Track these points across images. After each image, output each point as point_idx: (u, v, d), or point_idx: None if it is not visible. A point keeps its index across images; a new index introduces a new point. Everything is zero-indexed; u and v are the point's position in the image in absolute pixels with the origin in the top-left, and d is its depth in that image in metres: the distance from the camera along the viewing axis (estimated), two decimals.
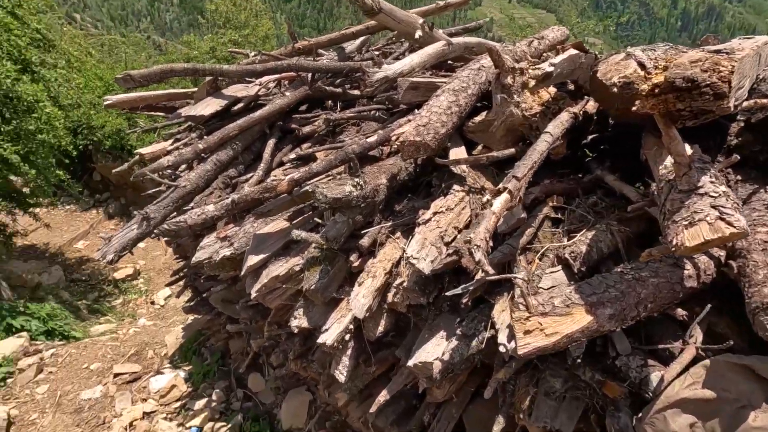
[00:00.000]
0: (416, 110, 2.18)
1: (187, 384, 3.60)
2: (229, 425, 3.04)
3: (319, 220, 1.77)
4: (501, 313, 1.46)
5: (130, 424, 3.28)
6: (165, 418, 3.27)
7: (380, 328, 1.77)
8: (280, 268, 1.83)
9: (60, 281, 6.81)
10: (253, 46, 9.82)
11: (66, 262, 7.54)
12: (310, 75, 2.54)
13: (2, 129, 4.29)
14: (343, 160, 1.82)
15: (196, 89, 2.63)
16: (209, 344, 3.96)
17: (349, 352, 1.85)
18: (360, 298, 1.59)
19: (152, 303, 6.77)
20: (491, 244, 1.28)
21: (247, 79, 2.68)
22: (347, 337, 1.73)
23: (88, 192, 8.96)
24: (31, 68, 5.16)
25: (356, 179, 1.67)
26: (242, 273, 1.83)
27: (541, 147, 1.49)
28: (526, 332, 1.17)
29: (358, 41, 2.99)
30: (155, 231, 1.73)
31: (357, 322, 1.76)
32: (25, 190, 5.70)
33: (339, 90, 2.59)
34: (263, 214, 1.91)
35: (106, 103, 2.25)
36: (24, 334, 4.39)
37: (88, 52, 7.11)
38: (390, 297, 1.70)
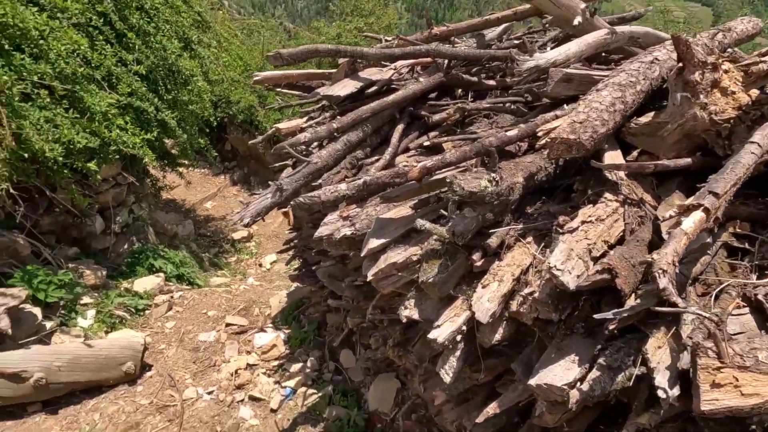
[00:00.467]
0: (564, 105, 1.96)
1: (285, 346, 3.84)
2: (320, 394, 3.17)
3: (445, 212, 1.67)
4: (657, 350, 1.23)
5: (235, 372, 3.60)
6: (264, 373, 3.54)
7: (497, 336, 1.63)
8: (398, 255, 1.79)
9: (190, 234, 7.76)
10: (376, 34, 10.04)
11: (196, 218, 8.57)
12: (445, 62, 2.45)
13: (164, 98, 4.92)
14: (479, 153, 1.70)
15: (332, 70, 2.71)
16: (308, 312, 4.17)
17: (457, 353, 1.75)
18: (485, 302, 1.47)
19: (260, 265, 7.39)
20: (677, 269, 1.07)
21: (382, 63, 2.68)
22: (459, 337, 1.63)
23: (219, 159, 10.06)
24: (191, 46, 5.86)
25: (492, 174, 1.54)
26: (363, 254, 1.83)
27: (746, 160, 1.21)
28: (715, 385, 0.95)
29: (499, 29, 2.81)
30: (291, 203, 1.80)
31: (470, 324, 1.65)
32: (173, 151, 6.57)
33: (474, 79, 2.45)
34: (390, 198, 1.88)
35: (255, 78, 2.42)
36: (161, 274, 5.08)
37: (234, 34, 7.93)
38: (515, 306, 1.55)
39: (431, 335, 1.61)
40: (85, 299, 4.14)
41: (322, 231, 2.00)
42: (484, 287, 1.52)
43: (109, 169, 5.20)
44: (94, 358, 3.26)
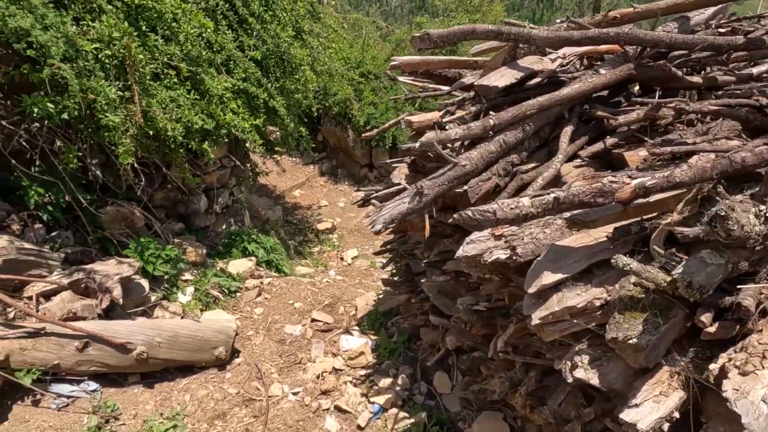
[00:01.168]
0: None
1: (373, 354, 3.58)
2: (412, 420, 2.85)
3: (659, 250, 1.22)
4: None
5: (321, 374, 3.41)
6: (351, 383, 3.30)
7: None
8: (577, 297, 1.38)
9: (279, 220, 7.91)
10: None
11: (285, 205, 8.75)
12: (637, 50, 1.95)
13: (274, 85, 4.90)
14: (724, 171, 1.22)
15: (478, 59, 2.34)
16: (397, 320, 3.87)
17: None
18: (758, 401, 1.00)
19: (341, 259, 7.29)
20: None
21: (548, 50, 2.25)
22: (665, 427, 1.17)
23: (309, 150, 10.22)
24: (302, 36, 5.84)
25: (762, 207, 1.06)
26: (530, 290, 1.43)
27: None
28: None
29: (709, 11, 2.23)
30: (456, 216, 1.45)
31: (684, 407, 1.18)
32: (271, 138, 6.67)
33: (679, 72, 1.92)
34: (582, 223, 1.46)
35: (392, 64, 2.13)
36: (253, 258, 5.11)
37: (342, 26, 7.93)
38: None
39: (626, 417, 1.17)
40: (186, 275, 4.23)
41: (468, 250, 1.65)
42: (743, 373, 1.05)
43: (217, 151, 5.34)
44: (191, 338, 3.25)
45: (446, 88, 2.44)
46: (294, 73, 5.46)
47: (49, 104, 3.00)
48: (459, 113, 2.13)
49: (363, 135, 2.90)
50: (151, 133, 3.54)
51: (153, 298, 3.72)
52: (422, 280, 2.69)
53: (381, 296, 4.33)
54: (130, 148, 3.40)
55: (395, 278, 3.52)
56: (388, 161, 3.13)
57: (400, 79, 2.83)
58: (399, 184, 3.15)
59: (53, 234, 3.65)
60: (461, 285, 2.51)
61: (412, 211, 1.77)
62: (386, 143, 8.77)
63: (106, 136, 3.44)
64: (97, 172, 3.99)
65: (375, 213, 1.85)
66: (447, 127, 1.87)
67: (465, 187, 1.85)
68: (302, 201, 9.08)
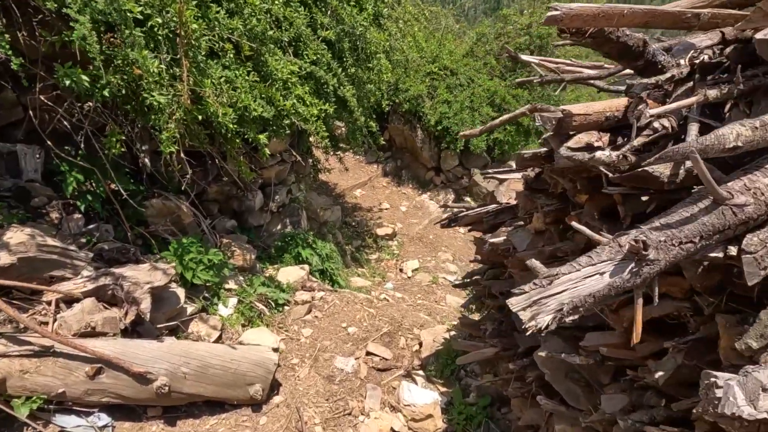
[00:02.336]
0: None
1: (443, 418, 2.74)
2: None
3: None
4: None
5: None
6: None
7: None
8: None
9: (337, 220, 7.28)
10: None
11: (344, 205, 8.12)
12: None
13: (347, 71, 4.20)
14: None
15: (697, 10, 1.40)
16: (475, 373, 2.99)
17: None
18: None
19: (401, 270, 6.51)
20: None
21: None
22: None
23: (375, 147, 9.54)
24: (379, 20, 5.11)
25: None
26: None
27: None
28: None
29: None
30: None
31: None
32: (336, 134, 6.04)
33: None
34: None
35: (550, 15, 1.29)
36: (306, 267, 4.47)
37: (423, 13, 7.16)
38: None
39: None
40: (230, 283, 3.65)
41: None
42: None
43: (278, 145, 4.75)
44: (222, 370, 2.61)
45: (609, 68, 1.53)
46: (368, 60, 4.73)
47: (84, 77, 2.47)
48: (691, 99, 1.20)
49: (461, 134, 2.07)
50: (200, 118, 2.95)
51: (189, 310, 3.15)
52: (538, 353, 1.81)
53: (453, 334, 3.47)
54: (175, 134, 2.83)
55: (481, 324, 2.65)
56: (490, 171, 2.26)
57: (525, 58, 1.95)
58: (504, 203, 2.27)
59: (91, 227, 3.21)
60: (605, 372, 1.59)
61: (620, 292, 0.92)
62: (457, 146, 7.84)
63: (152, 120, 2.91)
64: (146, 160, 3.51)
65: (534, 290, 1.00)
66: (731, 127, 0.98)
67: (731, 250, 0.96)
68: (363, 202, 8.42)
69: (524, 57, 2.02)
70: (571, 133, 1.36)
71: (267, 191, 4.90)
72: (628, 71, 1.61)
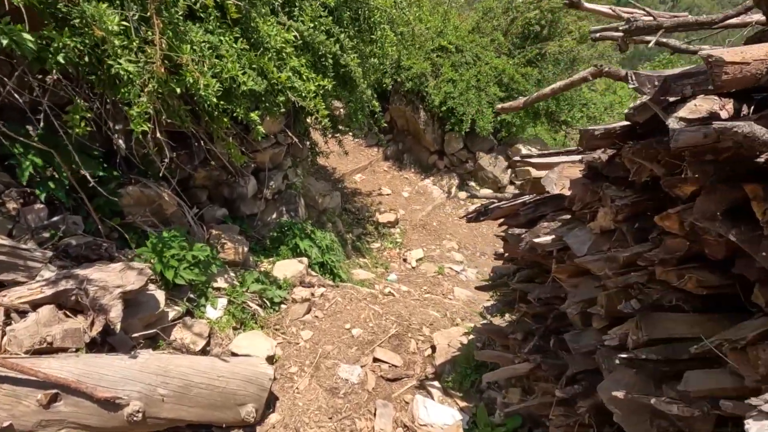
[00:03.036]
0: None
1: None
2: None
3: None
4: None
5: None
6: None
7: None
8: None
9: (337, 207, 6.83)
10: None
11: (344, 190, 7.65)
12: None
13: (348, 38, 3.67)
14: None
15: None
16: (500, 388, 2.60)
17: None
18: None
19: (404, 260, 6.10)
20: None
21: None
22: None
23: (376, 130, 9.02)
24: None
25: None
26: None
27: None
28: None
29: None
30: None
31: None
32: (336, 114, 5.53)
33: None
34: None
35: None
36: (305, 260, 4.04)
37: None
38: None
39: None
40: (219, 281, 3.22)
41: None
42: None
43: (272, 125, 4.26)
44: (208, 390, 2.21)
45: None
46: (371, 31, 4.21)
47: (28, 36, 1.97)
48: None
49: (500, 107, 1.63)
50: (178, 91, 2.46)
51: (171, 315, 2.73)
52: (609, 390, 1.39)
53: (472, 338, 3.07)
54: (147, 109, 2.35)
55: (510, 333, 2.23)
56: (534, 155, 1.82)
57: (590, 6, 1.50)
58: (555, 194, 1.83)
59: (55, 219, 2.74)
60: (704, 421, 1.19)
61: None
62: (462, 128, 7.33)
63: (122, 93, 2.42)
64: (120, 142, 3.03)
65: None
66: None
67: None
68: (363, 187, 7.95)
69: (590, 5, 1.55)
70: (675, 99, 0.93)
71: (261, 177, 4.44)
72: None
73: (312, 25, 3.26)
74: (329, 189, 7.05)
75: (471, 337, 3.07)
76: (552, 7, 7.37)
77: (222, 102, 2.91)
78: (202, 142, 3.38)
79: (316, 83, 3.21)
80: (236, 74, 2.61)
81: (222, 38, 2.70)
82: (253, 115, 2.93)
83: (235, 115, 3.00)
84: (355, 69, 3.50)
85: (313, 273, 4.10)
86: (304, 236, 4.28)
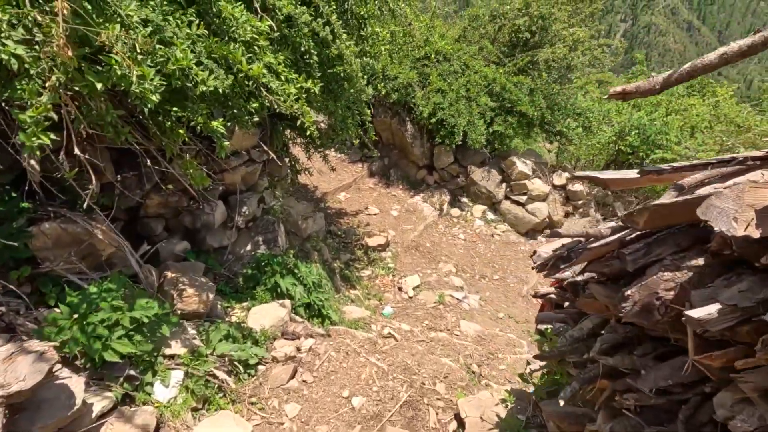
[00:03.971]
0: None
1: None
2: None
3: None
4: None
5: None
6: None
7: None
8: None
9: (321, 230, 6.05)
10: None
11: (328, 210, 6.89)
12: None
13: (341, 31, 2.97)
14: None
15: None
16: None
17: None
18: None
19: (399, 289, 5.35)
20: None
21: None
22: None
23: (359, 144, 8.35)
24: None
25: None
26: None
27: None
28: None
29: None
30: None
31: None
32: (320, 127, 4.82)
33: None
34: None
35: None
36: (287, 303, 3.25)
37: None
38: None
39: None
40: (174, 346, 2.39)
41: None
42: None
43: (244, 138, 3.50)
44: None
45: None
46: (360, 27, 3.55)
47: None
48: None
49: (614, 90, 0.96)
50: (99, 87, 1.68)
51: (99, 408, 1.88)
52: None
53: (511, 407, 2.33)
54: (48, 113, 1.57)
55: (586, 420, 1.52)
56: (689, 169, 1.14)
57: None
58: (679, 228, 1.15)
59: None
60: None
61: None
62: (454, 140, 6.75)
63: (16, 91, 1.63)
64: (32, 162, 2.21)
65: None
66: None
67: None
68: (348, 206, 7.21)
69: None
70: None
71: (231, 201, 3.64)
72: None
73: (291, 9, 2.54)
74: (312, 211, 6.27)
75: (509, 405, 2.34)
76: (542, 14, 6.96)
77: (175, 108, 2.14)
78: (154, 160, 2.59)
79: (298, 85, 2.48)
80: (188, 65, 1.85)
81: (170, 18, 1.95)
82: (216, 124, 2.17)
83: (193, 124, 2.23)
84: (351, 60, 2.79)
85: (298, 318, 3.31)
86: (286, 272, 3.49)
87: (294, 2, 2.48)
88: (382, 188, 7.86)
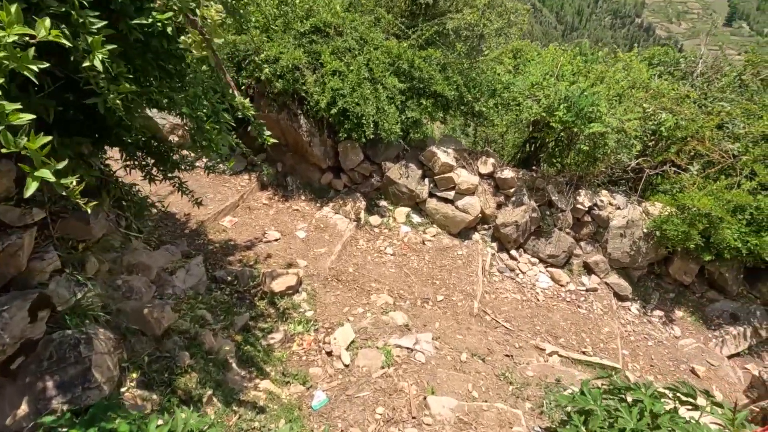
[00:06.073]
0: None
1: None
2: None
3: None
4: None
5: None
6: None
7: None
8: None
9: (200, 283, 4.13)
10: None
11: (208, 247, 4.91)
12: None
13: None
14: None
15: None
16: None
17: None
18: None
19: (329, 354, 3.79)
20: None
21: None
22: None
23: (240, 151, 6.34)
24: None
25: None
26: None
27: None
28: None
29: None
30: None
31: None
32: (173, 138, 2.92)
33: None
34: None
35: None
36: None
37: None
38: None
39: None
40: None
41: None
42: None
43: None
44: None
45: None
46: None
47: None
48: None
49: None
50: None
51: None
52: None
53: None
54: None
55: None
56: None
57: None
58: None
59: None
60: None
61: None
62: (365, 133, 5.28)
63: None
64: None
65: None
66: None
67: None
68: (237, 235, 5.28)
69: None
70: None
71: None
72: None
73: None
74: (179, 257, 4.28)
75: None
76: None
77: None
78: None
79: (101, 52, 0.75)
80: None
81: None
82: None
83: None
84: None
85: None
86: None
87: None
88: (279, 202, 6.06)
